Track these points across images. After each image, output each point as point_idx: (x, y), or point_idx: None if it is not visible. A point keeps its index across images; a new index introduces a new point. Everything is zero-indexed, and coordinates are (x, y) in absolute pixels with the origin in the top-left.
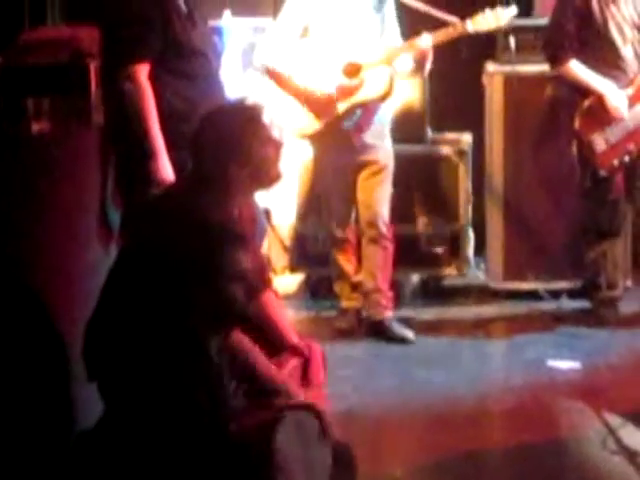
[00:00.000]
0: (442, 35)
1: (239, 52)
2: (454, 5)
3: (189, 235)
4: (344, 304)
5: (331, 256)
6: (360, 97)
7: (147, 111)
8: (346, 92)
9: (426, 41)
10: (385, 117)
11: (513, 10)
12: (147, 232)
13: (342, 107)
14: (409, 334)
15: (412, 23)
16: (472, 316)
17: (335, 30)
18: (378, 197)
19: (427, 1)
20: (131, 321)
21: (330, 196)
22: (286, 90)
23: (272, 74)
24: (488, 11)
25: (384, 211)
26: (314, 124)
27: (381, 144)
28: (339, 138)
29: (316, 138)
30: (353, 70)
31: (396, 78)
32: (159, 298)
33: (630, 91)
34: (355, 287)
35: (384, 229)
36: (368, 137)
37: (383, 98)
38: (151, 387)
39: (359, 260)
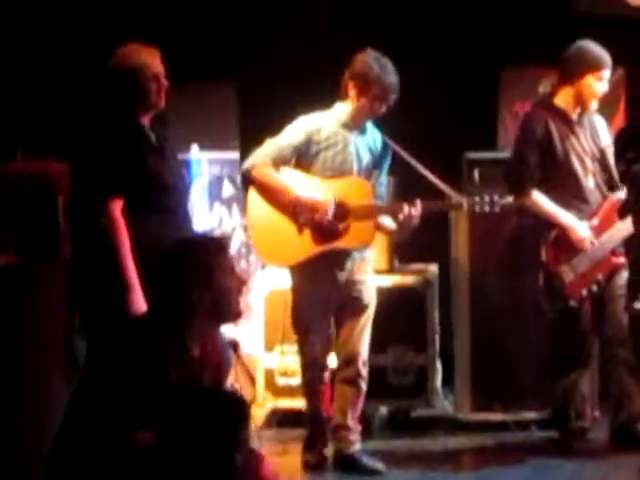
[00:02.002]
0: (436, 206)
1: (206, 185)
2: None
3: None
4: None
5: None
6: (342, 243)
7: (122, 246)
8: (332, 234)
9: (417, 209)
10: (368, 252)
11: (509, 199)
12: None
13: (322, 248)
14: (380, 466)
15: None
16: (441, 448)
17: (328, 166)
18: (359, 337)
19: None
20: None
21: (310, 330)
22: (273, 203)
23: (259, 183)
24: (486, 196)
25: (364, 351)
26: (294, 255)
27: (365, 280)
28: (322, 272)
29: (299, 268)
30: (341, 213)
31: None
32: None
33: (595, 221)
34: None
35: (362, 370)
36: (353, 273)
37: (361, 249)
38: None
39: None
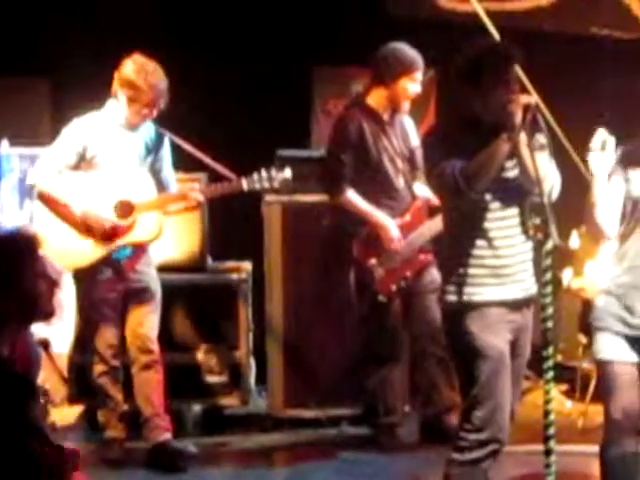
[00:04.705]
0: (216, 190)
1: (17, 182)
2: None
3: None
4: (110, 434)
5: (101, 385)
6: (130, 239)
7: None
8: (117, 232)
9: (199, 195)
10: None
11: (288, 172)
12: None
13: (112, 245)
14: (192, 448)
15: (187, 165)
16: (255, 445)
17: (109, 166)
18: (150, 324)
19: (203, 148)
20: None
21: (102, 325)
22: (60, 216)
23: (46, 198)
24: (264, 171)
25: (155, 337)
26: (82, 258)
27: (149, 271)
28: (110, 270)
29: (87, 270)
30: (125, 210)
31: (165, 222)
32: None
33: (405, 220)
34: (122, 417)
35: (157, 354)
36: (138, 265)
37: (151, 242)
38: None
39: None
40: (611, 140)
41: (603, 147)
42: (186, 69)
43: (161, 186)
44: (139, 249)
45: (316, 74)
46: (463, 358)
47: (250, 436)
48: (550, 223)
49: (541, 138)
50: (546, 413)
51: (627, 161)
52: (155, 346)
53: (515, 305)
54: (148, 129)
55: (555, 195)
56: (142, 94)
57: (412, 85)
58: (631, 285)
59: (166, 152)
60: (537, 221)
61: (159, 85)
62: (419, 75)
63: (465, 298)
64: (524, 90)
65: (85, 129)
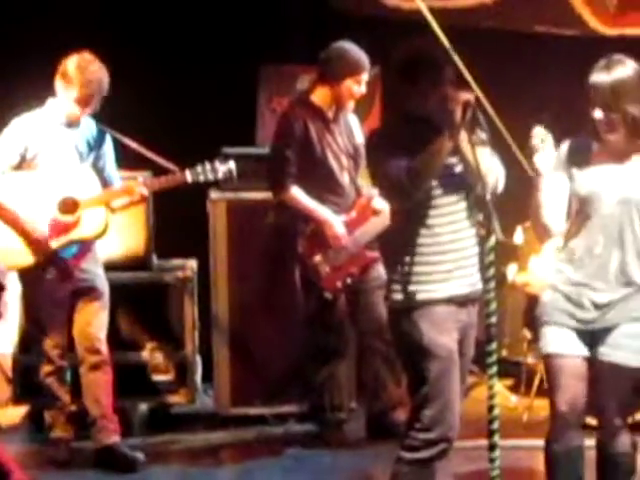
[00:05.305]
0: (160, 183)
1: None
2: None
3: None
4: (57, 434)
5: (48, 385)
6: (76, 235)
7: None
8: (61, 229)
9: (144, 189)
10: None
11: (231, 164)
12: None
13: (56, 243)
14: (140, 456)
15: (130, 163)
16: (201, 443)
17: (51, 164)
18: (98, 324)
19: (149, 147)
20: None
21: (50, 325)
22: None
23: None
24: (207, 163)
25: (104, 337)
26: (28, 258)
27: (96, 270)
28: (56, 269)
29: (32, 269)
30: (70, 207)
31: (111, 218)
32: None
33: (351, 216)
34: (69, 417)
35: (105, 355)
36: (85, 264)
37: (98, 237)
38: None
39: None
40: (549, 137)
41: (542, 145)
42: (132, 67)
43: (105, 184)
44: (85, 247)
45: (262, 72)
46: (411, 357)
47: (197, 434)
48: (493, 219)
49: (481, 134)
50: (490, 408)
51: (571, 159)
52: (104, 346)
53: (461, 301)
54: (89, 126)
55: (500, 188)
56: (76, 88)
57: (357, 86)
58: (580, 282)
59: (108, 149)
60: (480, 217)
61: (96, 81)
62: (365, 77)
63: (411, 296)
64: (465, 87)
65: (25, 128)
